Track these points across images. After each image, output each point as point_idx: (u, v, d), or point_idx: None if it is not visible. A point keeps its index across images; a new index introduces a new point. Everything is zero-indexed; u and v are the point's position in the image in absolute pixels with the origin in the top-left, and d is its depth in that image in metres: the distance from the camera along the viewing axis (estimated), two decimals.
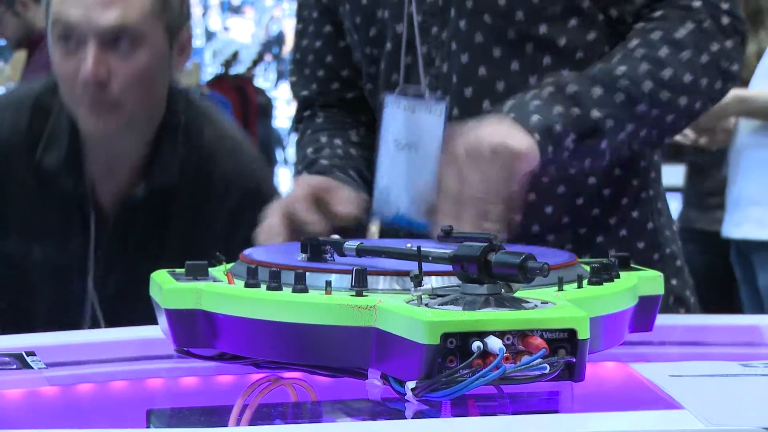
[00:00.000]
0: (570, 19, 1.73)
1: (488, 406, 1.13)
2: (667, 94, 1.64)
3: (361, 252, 1.32)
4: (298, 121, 2.01)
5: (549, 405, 1.18)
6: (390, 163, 1.77)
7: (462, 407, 1.10)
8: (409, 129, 1.75)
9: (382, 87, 1.83)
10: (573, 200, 1.78)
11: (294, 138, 2.03)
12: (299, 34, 1.98)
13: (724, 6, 1.70)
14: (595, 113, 1.58)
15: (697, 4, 1.68)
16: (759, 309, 3.98)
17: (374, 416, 1.18)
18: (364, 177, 1.85)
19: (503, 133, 1.49)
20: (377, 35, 1.81)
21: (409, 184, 1.72)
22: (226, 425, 1.14)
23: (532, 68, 1.73)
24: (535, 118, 1.53)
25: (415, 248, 1.20)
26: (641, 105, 1.63)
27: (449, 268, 1.16)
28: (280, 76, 11.59)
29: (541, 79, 1.70)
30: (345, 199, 1.67)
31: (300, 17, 1.98)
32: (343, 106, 1.97)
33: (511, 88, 1.70)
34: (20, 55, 5.27)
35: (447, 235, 1.29)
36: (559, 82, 1.60)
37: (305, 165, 1.87)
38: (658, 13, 1.69)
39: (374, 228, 1.71)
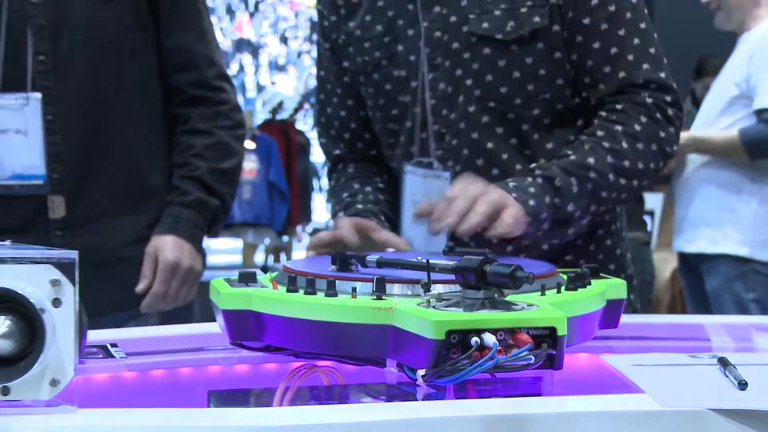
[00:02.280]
0: (556, 103, 1.76)
1: (484, 390, 1.14)
2: (623, 181, 1.69)
3: (380, 264, 1.34)
4: (332, 171, 2.01)
5: (533, 389, 1.18)
6: (410, 219, 1.77)
7: (463, 391, 1.11)
8: (424, 192, 1.76)
9: (400, 155, 1.84)
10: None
11: (330, 185, 2.04)
12: (322, 103, 1.98)
13: (668, 99, 1.73)
14: (570, 207, 1.64)
15: (649, 100, 1.72)
16: (702, 310, 3.96)
17: (391, 398, 1.19)
18: (389, 217, 1.87)
19: (507, 198, 1.55)
20: (398, 114, 1.82)
21: (424, 236, 1.71)
22: (271, 405, 1.15)
23: (526, 143, 1.76)
24: (531, 203, 1.58)
25: (425, 261, 1.22)
26: (604, 192, 1.68)
27: (452, 277, 1.17)
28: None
29: (534, 152, 1.76)
30: (386, 236, 1.70)
31: (322, 89, 1.97)
32: (368, 160, 1.98)
33: (513, 158, 1.76)
34: None
35: (450, 251, 1.31)
36: (549, 174, 1.64)
37: (343, 207, 1.88)
38: (619, 106, 1.72)
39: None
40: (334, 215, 1.92)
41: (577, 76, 1.76)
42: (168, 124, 2.22)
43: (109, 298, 2.11)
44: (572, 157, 1.66)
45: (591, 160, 1.65)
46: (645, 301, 4.76)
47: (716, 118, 3.84)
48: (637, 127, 1.69)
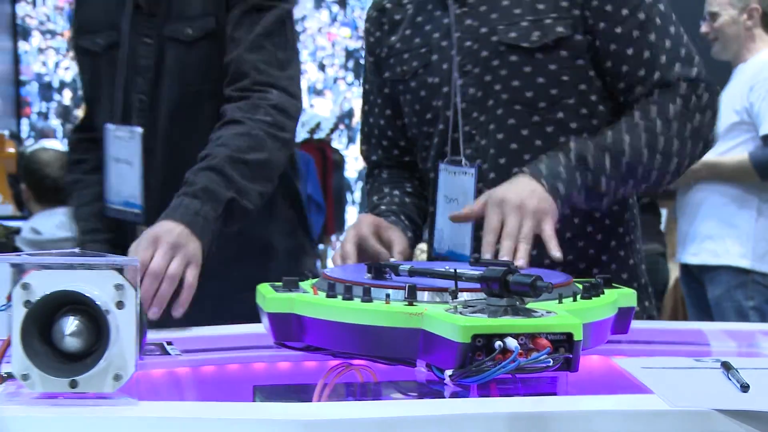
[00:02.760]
0: (581, 108, 1.75)
1: (505, 389, 1.13)
2: (659, 159, 1.66)
3: (412, 273, 1.34)
4: (369, 176, 2.03)
5: (550, 388, 1.18)
6: (442, 212, 1.79)
7: (486, 389, 1.11)
8: (454, 188, 1.77)
9: (434, 155, 1.84)
10: (576, 244, 1.79)
11: (366, 188, 2.05)
12: (366, 114, 2.00)
13: (701, 90, 1.71)
14: (603, 184, 1.64)
15: (683, 92, 1.69)
16: (704, 317, 3.94)
17: (421, 395, 1.19)
18: (413, 218, 1.88)
19: (539, 195, 1.56)
20: (432, 118, 1.83)
21: (452, 228, 1.73)
22: (311, 400, 1.14)
23: (551, 144, 1.73)
24: (561, 188, 1.58)
25: (453, 271, 1.22)
26: (639, 168, 1.66)
27: (478, 285, 1.18)
28: (350, 140, 11.64)
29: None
30: (394, 236, 1.72)
31: (366, 100, 1.99)
32: (401, 166, 1.99)
33: (536, 158, 1.71)
34: None
35: (476, 262, 1.30)
36: (582, 153, 1.63)
37: (371, 208, 1.91)
38: (653, 97, 1.70)
39: (418, 251, 1.72)
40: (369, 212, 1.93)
41: (612, 82, 1.76)
42: None
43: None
44: (608, 135, 1.66)
45: (626, 137, 1.65)
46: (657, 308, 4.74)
47: (719, 142, 3.73)
48: (672, 111, 1.67)
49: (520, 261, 1.46)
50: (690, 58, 1.74)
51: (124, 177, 2.07)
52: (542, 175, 1.59)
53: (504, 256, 1.47)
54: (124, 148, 2.06)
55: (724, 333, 1.63)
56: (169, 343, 1.44)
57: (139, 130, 2.04)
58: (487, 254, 1.50)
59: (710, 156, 3.68)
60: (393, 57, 1.87)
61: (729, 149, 3.79)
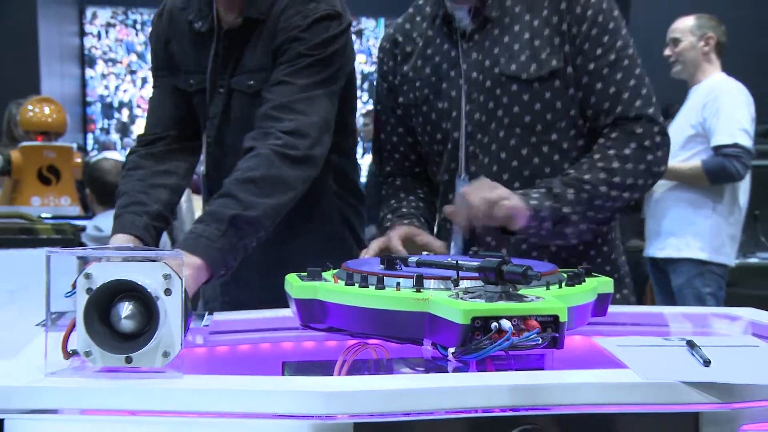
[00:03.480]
0: (571, 130, 1.75)
1: (500, 364, 1.12)
2: (615, 192, 1.67)
3: (419, 264, 1.33)
4: (383, 183, 2.01)
5: (538, 364, 1.17)
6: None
7: (483, 365, 1.10)
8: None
9: (443, 171, 1.84)
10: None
11: (381, 194, 2.02)
12: (377, 130, 1.99)
13: (656, 130, 1.71)
14: (566, 209, 1.63)
15: (639, 130, 1.70)
16: (668, 302, 3.97)
17: (427, 370, 1.18)
18: (427, 219, 1.89)
19: (513, 198, 1.58)
20: (442, 138, 1.82)
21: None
22: (332, 374, 1.14)
23: (546, 162, 1.75)
24: (533, 202, 1.59)
25: (455, 262, 1.22)
26: (598, 200, 1.66)
27: (476, 275, 1.17)
28: (364, 151, 11.65)
29: (553, 171, 1.74)
30: (428, 238, 1.72)
31: (378, 119, 1.98)
32: (412, 176, 1.98)
33: (533, 175, 1.74)
34: None
35: (475, 254, 1.30)
36: (549, 186, 1.63)
37: (391, 210, 1.90)
38: (613, 135, 1.71)
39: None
40: (383, 217, 1.92)
41: (582, 110, 1.76)
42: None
43: None
44: (571, 173, 1.67)
45: (586, 176, 1.65)
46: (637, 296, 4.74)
47: (677, 152, 3.84)
48: (627, 151, 1.68)
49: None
50: (649, 97, 1.74)
51: (184, 218, 2.06)
52: (517, 194, 1.62)
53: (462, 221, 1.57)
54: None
55: (685, 316, 1.63)
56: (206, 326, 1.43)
57: (202, 169, 2.05)
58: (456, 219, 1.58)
59: (670, 163, 3.76)
60: (406, 84, 1.86)
61: (687, 158, 3.84)
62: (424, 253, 1.52)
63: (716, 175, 3.72)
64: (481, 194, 1.58)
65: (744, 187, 3.88)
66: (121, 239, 1.87)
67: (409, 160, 1.97)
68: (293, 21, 1.87)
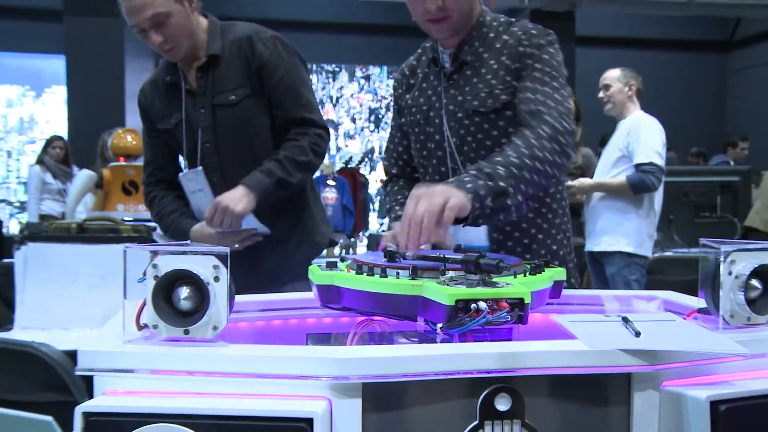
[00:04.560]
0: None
1: (478, 336, 1.09)
2: (538, 165, 1.46)
3: (414, 258, 1.29)
4: (388, 183, 1.97)
5: (508, 336, 1.14)
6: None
7: (464, 337, 1.07)
8: None
9: (428, 180, 1.77)
10: (528, 245, 1.73)
11: (386, 190, 1.96)
12: (389, 140, 1.97)
13: (565, 122, 1.55)
14: (501, 183, 1.40)
15: (549, 118, 1.53)
16: (603, 287, 4.00)
17: (420, 341, 1.15)
18: None
19: (448, 192, 1.32)
20: (427, 155, 1.78)
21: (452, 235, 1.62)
22: (345, 344, 1.14)
23: None
24: (468, 185, 1.36)
25: (443, 256, 1.20)
26: (525, 172, 1.44)
27: (460, 266, 1.15)
28: (372, 168, 11.67)
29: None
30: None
31: (391, 131, 1.95)
32: (412, 179, 1.91)
33: None
34: None
35: (458, 249, 1.27)
36: (480, 167, 1.42)
37: (397, 204, 1.84)
38: (533, 123, 1.54)
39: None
40: (390, 208, 1.87)
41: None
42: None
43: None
44: (497, 157, 1.47)
45: (510, 152, 1.47)
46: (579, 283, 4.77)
47: (609, 170, 3.92)
48: (544, 132, 1.50)
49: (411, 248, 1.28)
50: (563, 102, 1.59)
51: (201, 200, 2.10)
52: (451, 184, 1.38)
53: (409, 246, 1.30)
54: (194, 183, 2.10)
55: (619, 297, 1.60)
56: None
57: (200, 168, 2.09)
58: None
59: (603, 179, 3.86)
60: (407, 109, 1.84)
61: (616, 174, 3.89)
62: (422, 247, 1.45)
63: (637, 186, 3.78)
64: (426, 206, 1.30)
65: (658, 197, 3.94)
66: (199, 226, 2.07)
67: (410, 167, 1.93)
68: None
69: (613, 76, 4.03)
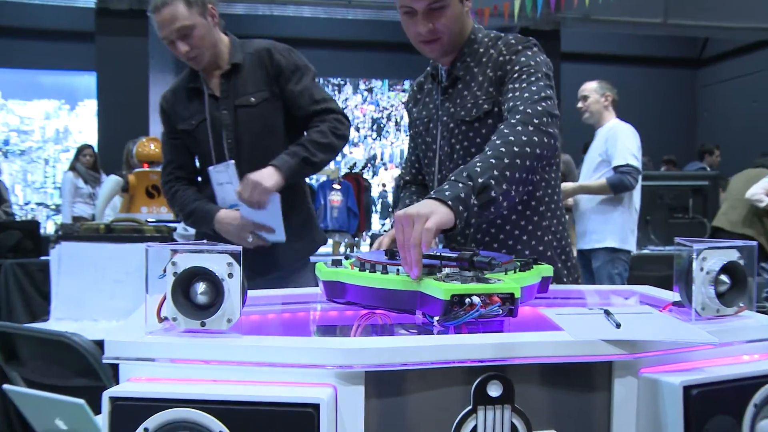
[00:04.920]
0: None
1: (471, 328, 1.08)
2: (515, 149, 1.34)
3: None
4: (402, 188, 1.96)
5: (499, 328, 1.12)
6: None
7: (459, 329, 1.06)
8: None
9: (431, 188, 1.76)
10: (515, 247, 1.68)
11: (400, 195, 1.95)
12: (409, 150, 1.95)
13: (549, 115, 1.44)
14: (480, 180, 1.28)
15: (530, 110, 1.43)
16: (590, 282, 4.02)
17: (419, 332, 1.13)
18: None
19: (428, 210, 1.19)
20: (428, 162, 1.78)
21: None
22: (349, 335, 1.13)
23: None
24: (447, 194, 1.24)
25: (439, 254, 1.19)
26: (504, 160, 1.32)
27: (455, 264, 1.15)
28: (374, 173, 11.64)
29: None
30: None
31: (409, 143, 1.94)
32: (423, 184, 1.90)
33: None
34: None
35: (453, 248, 1.25)
36: (459, 171, 1.31)
37: (407, 207, 1.79)
38: (509, 119, 1.43)
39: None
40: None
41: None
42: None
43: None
44: (476, 157, 1.36)
45: (489, 151, 1.34)
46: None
47: (591, 174, 3.95)
48: (515, 121, 1.40)
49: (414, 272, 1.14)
50: (548, 98, 1.49)
51: (228, 192, 2.15)
52: (430, 196, 1.25)
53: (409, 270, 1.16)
54: (224, 176, 2.16)
55: (601, 292, 1.58)
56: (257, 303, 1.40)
57: (232, 162, 2.15)
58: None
59: (587, 182, 3.88)
60: (414, 121, 1.84)
61: (598, 177, 3.91)
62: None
63: (617, 186, 3.80)
64: (408, 234, 1.16)
65: (637, 196, 3.97)
66: (225, 210, 2.14)
67: (422, 174, 1.91)
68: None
69: (590, 87, 4.07)
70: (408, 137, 1.96)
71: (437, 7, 1.57)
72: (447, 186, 1.27)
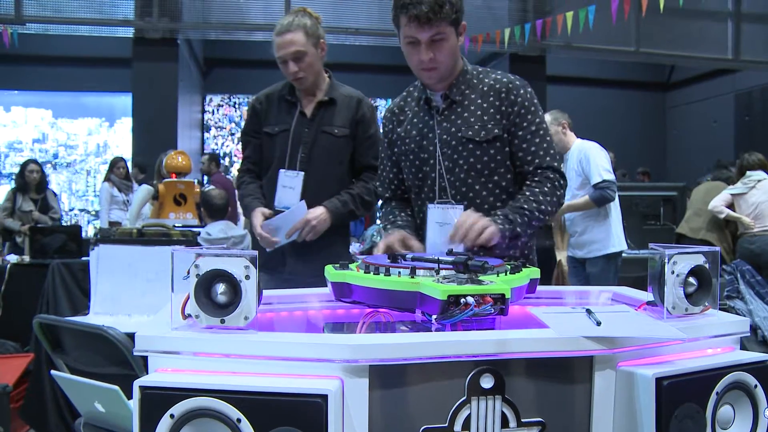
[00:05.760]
0: (506, 174, 1.69)
1: (466, 326, 1.06)
2: (541, 215, 1.60)
3: (413, 259, 1.27)
4: (383, 205, 1.93)
5: (491, 325, 1.10)
6: (436, 232, 1.68)
7: (455, 326, 1.05)
8: (445, 217, 1.67)
9: (424, 199, 1.75)
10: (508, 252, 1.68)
11: (381, 211, 1.92)
12: (381, 169, 1.90)
13: (560, 175, 1.67)
14: (518, 229, 1.55)
15: (551, 176, 1.65)
16: (580, 284, 3.93)
17: (418, 330, 1.11)
18: (414, 228, 1.77)
19: (491, 224, 1.48)
20: (423, 177, 1.74)
21: (443, 240, 1.60)
22: (355, 331, 1.11)
23: (490, 194, 1.69)
24: (500, 226, 1.50)
25: (437, 258, 1.17)
26: (534, 221, 1.59)
27: (451, 267, 1.13)
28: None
29: (495, 200, 1.69)
30: (417, 245, 1.63)
31: (382, 162, 1.90)
32: (403, 200, 1.87)
33: (482, 202, 1.68)
34: None
35: (450, 253, 1.23)
36: (506, 214, 1.56)
37: (389, 222, 1.79)
38: (536, 179, 1.65)
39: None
40: (384, 226, 1.84)
41: (512, 161, 1.70)
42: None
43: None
44: (516, 205, 1.60)
45: (526, 206, 1.58)
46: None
47: (576, 192, 3.87)
48: (546, 189, 1.63)
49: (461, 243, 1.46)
50: (555, 154, 1.69)
51: (287, 195, 2.21)
52: (492, 220, 1.52)
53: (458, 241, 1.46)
54: (291, 181, 2.22)
55: (582, 292, 1.56)
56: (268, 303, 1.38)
57: (302, 173, 2.21)
58: (455, 241, 1.47)
59: (572, 201, 3.84)
60: (399, 140, 1.81)
61: (581, 195, 3.85)
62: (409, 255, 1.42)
63: (599, 201, 3.77)
64: (470, 222, 1.48)
65: (616, 203, 3.91)
66: (260, 210, 2.18)
67: (401, 190, 1.88)
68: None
69: (546, 120, 4.00)
70: (381, 157, 1.92)
71: (438, 39, 1.61)
72: (499, 220, 1.53)
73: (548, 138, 1.70)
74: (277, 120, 2.26)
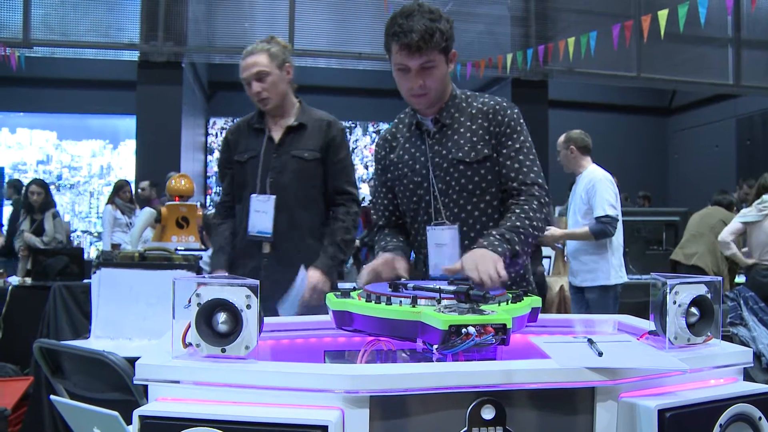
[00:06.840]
0: (497, 193, 1.70)
1: (468, 356, 1.06)
2: (535, 233, 1.59)
3: (415, 288, 1.26)
4: (377, 232, 1.90)
5: (493, 355, 1.10)
6: (435, 253, 1.69)
7: (456, 356, 1.04)
8: (441, 238, 1.69)
9: (420, 222, 1.75)
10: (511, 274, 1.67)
11: (375, 238, 1.89)
12: (375, 196, 1.90)
13: (544, 192, 1.66)
14: (517, 248, 1.53)
15: (536, 193, 1.64)
16: (583, 311, 3.90)
17: (419, 360, 1.11)
18: (407, 253, 1.77)
19: (490, 255, 1.42)
20: (417, 200, 1.75)
21: (442, 261, 1.63)
22: (357, 360, 1.11)
23: (482, 214, 1.69)
24: (499, 250, 1.46)
25: (438, 287, 1.17)
26: (530, 239, 1.58)
27: (453, 296, 1.13)
28: None
29: (486, 219, 1.69)
30: (402, 266, 1.62)
31: (375, 187, 1.90)
32: (396, 227, 1.86)
33: (474, 221, 1.69)
34: None
35: (451, 283, 1.23)
36: (502, 233, 1.53)
37: (382, 248, 1.78)
38: (522, 198, 1.65)
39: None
40: (377, 252, 1.81)
41: (499, 178, 1.71)
42: (324, 214, 2.31)
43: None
44: (509, 224, 1.58)
45: (518, 224, 1.57)
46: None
47: (578, 220, 3.84)
48: (534, 206, 1.62)
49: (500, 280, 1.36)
50: (539, 172, 1.70)
51: (260, 219, 2.24)
52: (489, 246, 1.48)
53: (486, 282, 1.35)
54: (262, 205, 2.24)
55: (585, 321, 1.56)
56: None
57: (273, 196, 2.23)
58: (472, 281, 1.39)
59: (572, 229, 3.82)
60: (392, 166, 1.82)
61: (583, 225, 3.82)
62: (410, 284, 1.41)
63: (598, 234, 3.74)
64: (482, 269, 1.37)
65: (619, 234, 3.86)
66: (219, 272, 2.24)
67: (395, 216, 1.88)
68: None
69: (558, 143, 4.00)
70: (375, 184, 1.92)
71: (428, 66, 1.63)
72: (496, 242, 1.51)
73: (531, 156, 1.71)
74: (246, 147, 2.31)
